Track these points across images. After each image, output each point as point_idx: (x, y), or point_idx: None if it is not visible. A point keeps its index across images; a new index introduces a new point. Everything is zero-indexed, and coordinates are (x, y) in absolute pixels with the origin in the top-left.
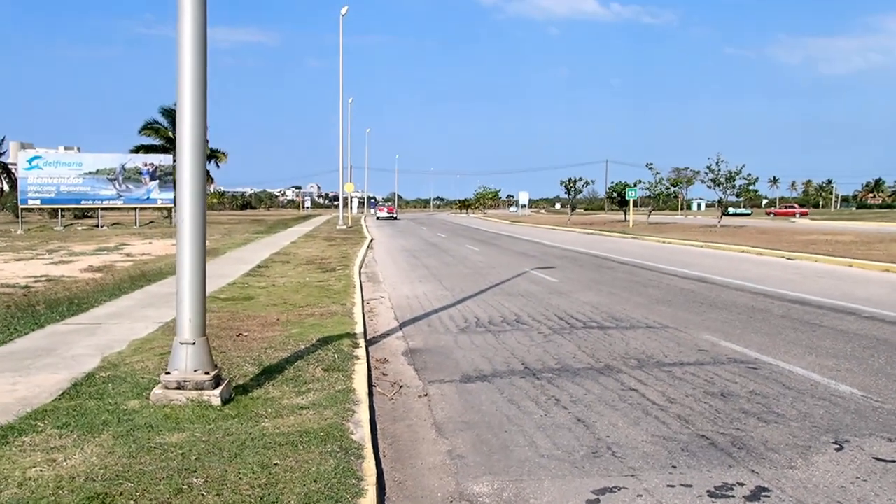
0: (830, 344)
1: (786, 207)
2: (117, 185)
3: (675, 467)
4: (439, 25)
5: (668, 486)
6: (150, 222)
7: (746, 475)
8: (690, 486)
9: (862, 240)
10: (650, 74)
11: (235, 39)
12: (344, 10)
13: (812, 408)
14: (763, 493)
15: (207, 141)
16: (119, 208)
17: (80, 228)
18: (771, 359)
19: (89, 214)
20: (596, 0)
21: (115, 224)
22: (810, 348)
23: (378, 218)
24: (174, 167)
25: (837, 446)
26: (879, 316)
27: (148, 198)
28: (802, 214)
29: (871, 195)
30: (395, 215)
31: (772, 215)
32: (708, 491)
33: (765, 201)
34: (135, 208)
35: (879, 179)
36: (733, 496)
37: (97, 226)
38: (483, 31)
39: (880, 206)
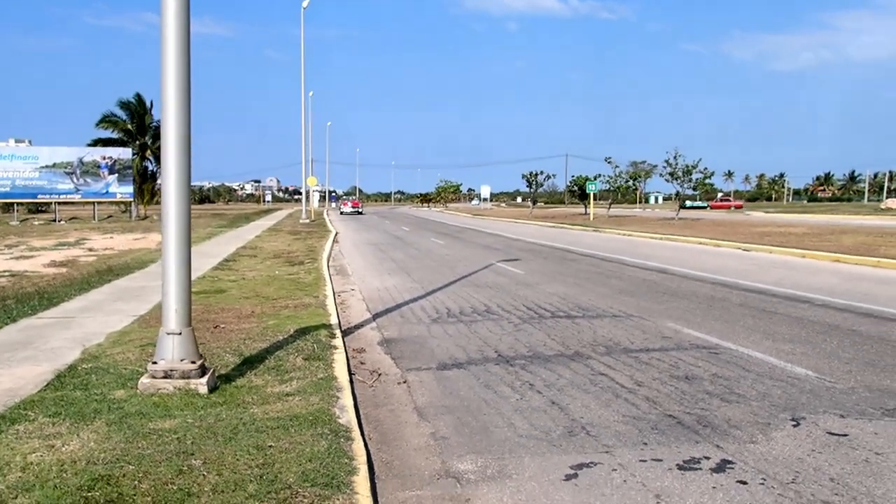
0: (786, 330)
1: (722, 200)
2: (75, 179)
3: (645, 444)
4: (398, 18)
5: (641, 460)
6: (109, 217)
7: (712, 450)
8: (661, 460)
9: (814, 232)
10: (608, 69)
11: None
12: (305, 3)
13: (770, 388)
14: (728, 465)
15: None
16: (76, 202)
17: (36, 223)
18: (731, 344)
19: (44, 209)
20: None
21: (72, 218)
22: (767, 334)
23: (342, 213)
24: (133, 161)
25: (794, 423)
26: (831, 304)
27: (107, 192)
28: (737, 207)
29: (821, 189)
30: (360, 209)
31: (708, 207)
32: (677, 464)
33: (720, 194)
34: (93, 202)
35: (829, 173)
36: (700, 468)
37: (54, 220)
38: (442, 25)
39: (830, 200)
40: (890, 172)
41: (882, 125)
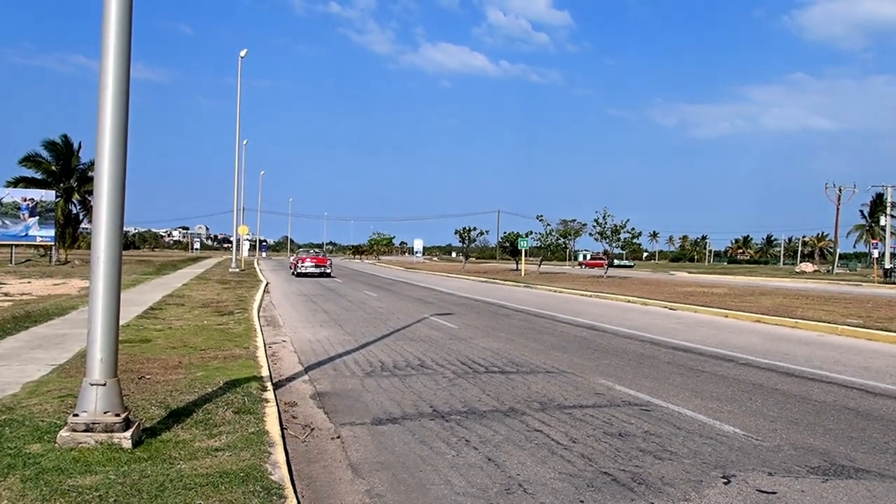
0: (713, 388)
1: (594, 260)
2: None
3: (582, 502)
4: (333, 72)
5: None
6: (27, 260)
7: None
8: None
9: (735, 292)
10: (539, 129)
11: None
12: (243, 53)
13: (701, 446)
14: None
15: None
16: None
17: None
18: (661, 401)
19: None
20: (486, 57)
21: None
22: (696, 392)
23: (298, 274)
24: (57, 203)
25: (725, 480)
26: (754, 363)
27: (26, 234)
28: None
29: (740, 251)
30: (327, 269)
31: (584, 266)
32: None
33: (645, 254)
34: (10, 245)
35: (748, 237)
36: None
37: None
38: (377, 81)
39: (748, 262)
40: (803, 238)
41: (795, 192)
